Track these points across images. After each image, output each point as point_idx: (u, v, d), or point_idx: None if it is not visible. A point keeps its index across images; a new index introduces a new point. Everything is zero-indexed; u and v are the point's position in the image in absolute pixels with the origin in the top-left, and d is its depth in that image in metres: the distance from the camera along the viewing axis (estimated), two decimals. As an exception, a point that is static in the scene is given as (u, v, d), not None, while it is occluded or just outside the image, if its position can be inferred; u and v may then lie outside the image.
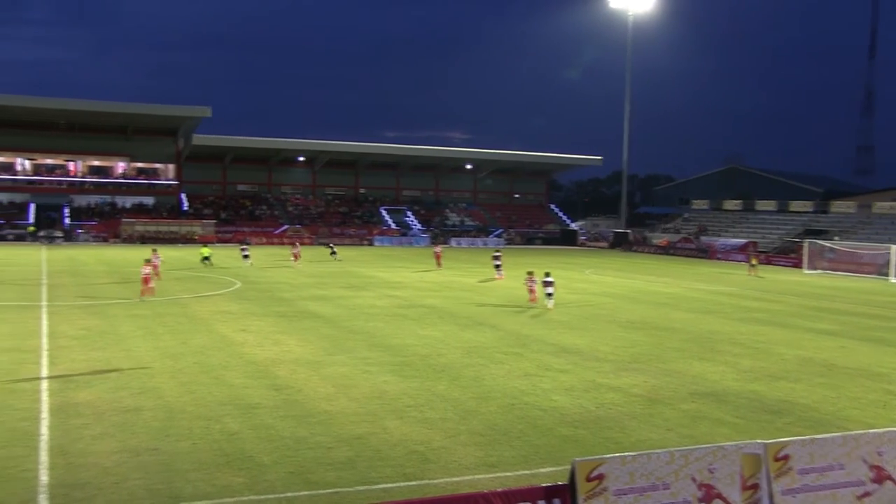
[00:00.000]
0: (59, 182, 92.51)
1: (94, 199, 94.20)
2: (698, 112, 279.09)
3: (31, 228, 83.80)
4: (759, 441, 11.41)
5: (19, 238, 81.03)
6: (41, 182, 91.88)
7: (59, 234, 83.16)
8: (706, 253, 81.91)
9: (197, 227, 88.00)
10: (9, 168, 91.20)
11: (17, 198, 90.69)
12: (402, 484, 12.18)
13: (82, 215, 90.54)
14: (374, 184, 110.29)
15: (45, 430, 14.38)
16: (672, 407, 17.11)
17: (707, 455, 10.73)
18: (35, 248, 71.52)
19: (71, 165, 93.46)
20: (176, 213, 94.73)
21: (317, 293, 37.70)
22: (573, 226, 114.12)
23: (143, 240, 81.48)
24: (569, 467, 10.39)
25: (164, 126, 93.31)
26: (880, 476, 11.32)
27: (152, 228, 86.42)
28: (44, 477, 12.02)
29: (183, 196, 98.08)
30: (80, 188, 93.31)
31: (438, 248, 60.13)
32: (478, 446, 14.08)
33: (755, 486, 10.80)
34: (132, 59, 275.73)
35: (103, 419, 15.10)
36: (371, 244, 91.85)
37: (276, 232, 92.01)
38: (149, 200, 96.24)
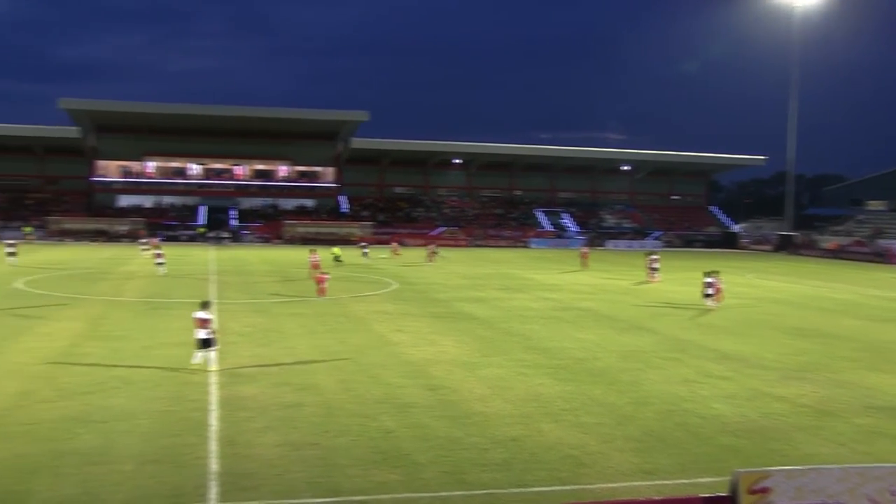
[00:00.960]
0: (227, 185, 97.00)
1: (258, 202, 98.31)
2: (874, 108, 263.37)
3: (202, 230, 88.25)
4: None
5: (191, 239, 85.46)
6: (210, 185, 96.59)
7: (226, 234, 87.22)
8: (882, 257, 77.36)
9: (355, 229, 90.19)
10: (182, 172, 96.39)
11: (189, 201, 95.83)
12: (556, 488, 12.04)
13: (248, 217, 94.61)
14: (530, 185, 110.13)
15: (214, 420, 15.04)
16: (844, 420, 16.19)
17: (889, 475, 9.98)
18: (205, 248, 75.19)
19: (237, 169, 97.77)
20: (335, 214, 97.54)
21: (472, 295, 37.92)
22: (735, 228, 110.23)
23: (304, 241, 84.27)
24: (729, 478, 9.99)
25: (324, 130, 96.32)
26: None
27: (313, 230, 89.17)
28: (214, 465, 12.57)
29: (343, 198, 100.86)
30: (246, 191, 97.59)
31: (585, 249, 60.86)
32: (634, 452, 13.76)
33: (950, 517, 9.90)
34: (294, 66, 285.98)
35: (267, 413, 15.65)
36: (526, 246, 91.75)
37: (432, 234, 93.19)
38: (309, 202, 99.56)
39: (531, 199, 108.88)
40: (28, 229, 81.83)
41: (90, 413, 15.32)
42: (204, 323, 19.31)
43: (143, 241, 66.56)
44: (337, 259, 55.39)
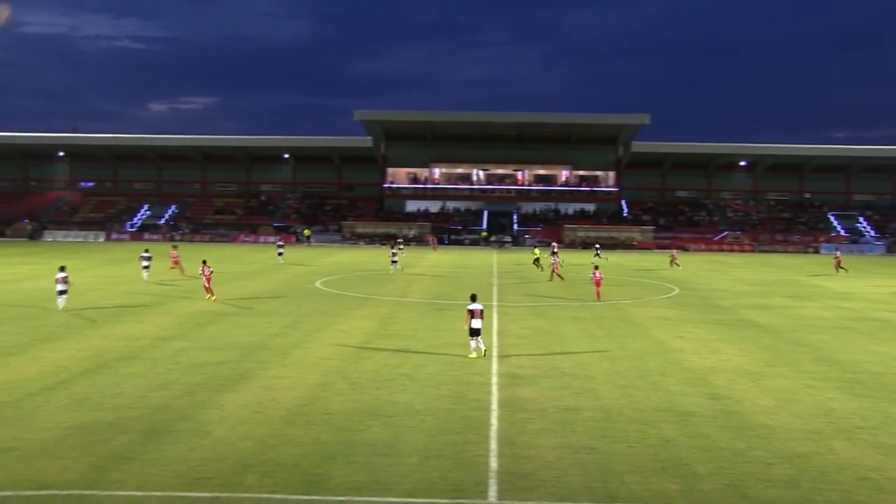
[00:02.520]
0: (509, 190, 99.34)
1: (538, 206, 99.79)
2: None
3: (484, 234, 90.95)
4: None
5: (474, 242, 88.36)
6: (493, 191, 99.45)
7: (507, 238, 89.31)
8: None
9: (636, 233, 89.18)
10: (466, 178, 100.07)
11: (473, 206, 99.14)
12: (851, 511, 11.25)
13: (528, 221, 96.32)
14: (821, 188, 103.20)
15: (494, 420, 15.47)
16: None
17: None
18: (487, 251, 77.41)
19: (519, 175, 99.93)
20: (616, 219, 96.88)
21: (757, 302, 36.25)
22: None
23: (584, 245, 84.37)
24: None
25: (604, 134, 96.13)
26: None
27: (592, 234, 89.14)
28: (493, 463, 12.94)
29: (623, 202, 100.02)
30: (527, 196, 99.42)
31: (838, 254, 58.03)
32: (945, 481, 12.52)
33: None
34: (575, 70, 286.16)
35: (545, 415, 15.87)
36: (817, 251, 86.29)
37: (716, 238, 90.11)
38: (589, 207, 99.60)
39: (823, 201, 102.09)
40: (307, 232, 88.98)
41: (379, 407, 16.31)
42: (478, 314, 21.53)
43: (400, 241, 70.98)
44: (536, 262, 55.52)
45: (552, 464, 12.95)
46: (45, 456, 13.03)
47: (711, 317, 30.95)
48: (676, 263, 57.93)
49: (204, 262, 35.56)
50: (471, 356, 21.54)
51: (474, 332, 21.53)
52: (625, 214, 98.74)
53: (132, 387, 17.80)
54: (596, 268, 37.54)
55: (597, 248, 65.74)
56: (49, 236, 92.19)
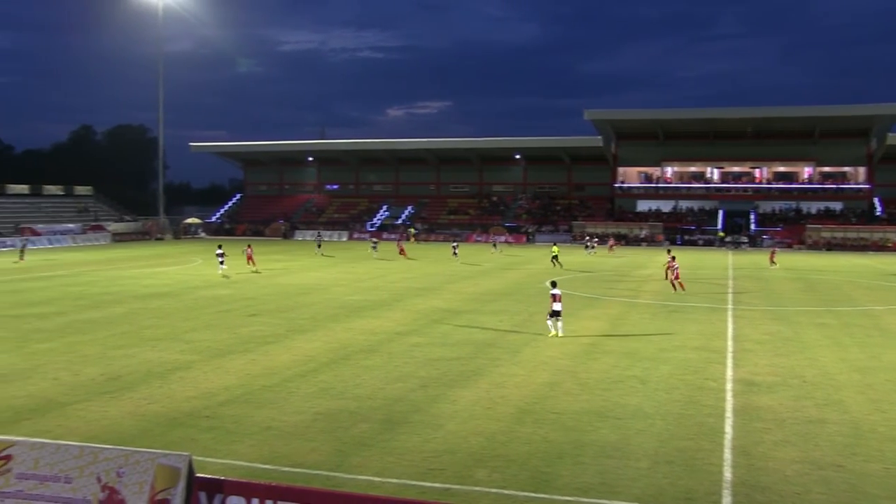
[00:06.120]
0: (745, 189, 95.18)
1: (778, 205, 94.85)
2: None
3: (721, 234, 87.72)
4: None
5: (708, 243, 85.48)
6: (728, 189, 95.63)
7: (744, 239, 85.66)
8: None
9: (891, 234, 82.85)
10: (700, 177, 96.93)
11: (707, 205, 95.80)
12: None
13: (767, 221, 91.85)
14: None
15: (728, 428, 14.90)
16: None
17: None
18: (721, 252, 74.67)
19: (756, 172, 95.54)
20: (867, 218, 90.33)
21: None
22: None
23: (830, 246, 79.56)
24: None
25: (853, 127, 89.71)
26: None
27: (839, 234, 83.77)
28: (727, 473, 12.47)
29: (877, 200, 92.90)
30: (766, 194, 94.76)
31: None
32: None
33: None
34: (820, 60, 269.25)
35: (784, 426, 15.08)
36: None
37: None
38: (836, 205, 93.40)
39: None
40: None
41: (608, 409, 16.15)
42: (558, 298, 24.41)
43: (455, 243, 69.33)
44: (554, 259, 53.84)
45: (792, 479, 12.27)
46: (297, 437, 14.08)
47: (979, 326, 28.21)
48: (773, 262, 55.84)
49: (249, 245, 51.75)
50: (550, 335, 24.56)
51: (554, 314, 24.51)
52: (878, 213, 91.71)
53: (371, 378, 18.70)
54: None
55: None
56: (299, 235, 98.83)
